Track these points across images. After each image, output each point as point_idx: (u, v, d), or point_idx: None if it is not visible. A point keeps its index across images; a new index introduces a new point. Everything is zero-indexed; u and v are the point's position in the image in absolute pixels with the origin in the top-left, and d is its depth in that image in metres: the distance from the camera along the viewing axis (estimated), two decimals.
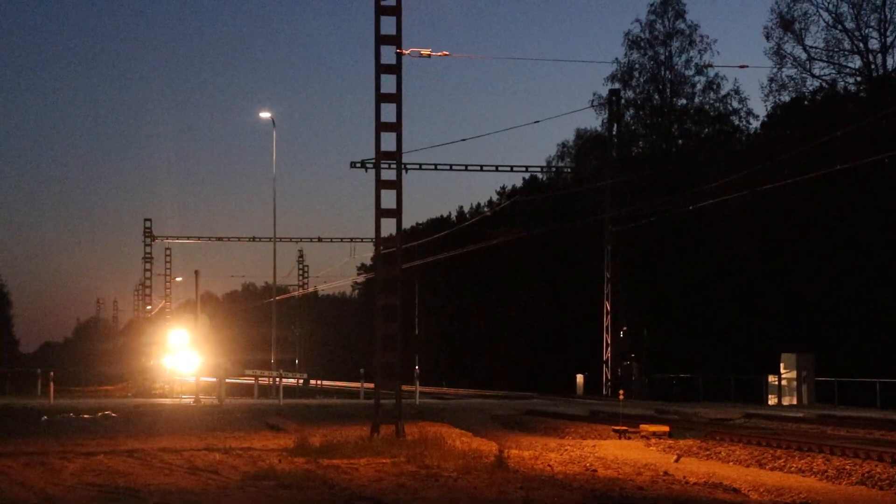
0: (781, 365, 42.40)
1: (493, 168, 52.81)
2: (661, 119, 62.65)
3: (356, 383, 48.20)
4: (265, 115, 51.41)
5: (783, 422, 28.88)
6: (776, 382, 42.53)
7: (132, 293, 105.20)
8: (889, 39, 52.33)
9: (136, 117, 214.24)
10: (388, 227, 23.08)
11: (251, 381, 50.23)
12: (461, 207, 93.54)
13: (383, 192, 22.70)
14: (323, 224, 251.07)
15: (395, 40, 22.58)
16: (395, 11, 22.54)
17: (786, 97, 55.62)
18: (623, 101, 57.21)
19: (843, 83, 54.86)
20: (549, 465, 17.92)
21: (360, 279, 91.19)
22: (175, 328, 49.46)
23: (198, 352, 41.12)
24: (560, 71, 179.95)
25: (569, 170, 68.67)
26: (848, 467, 17.51)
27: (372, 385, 23.26)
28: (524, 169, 58.19)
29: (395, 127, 22.64)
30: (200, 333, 40.95)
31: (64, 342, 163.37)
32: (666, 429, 24.59)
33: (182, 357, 47.02)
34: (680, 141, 63.30)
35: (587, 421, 29.22)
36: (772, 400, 42.38)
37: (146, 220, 75.13)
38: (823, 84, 54.76)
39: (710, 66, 60.00)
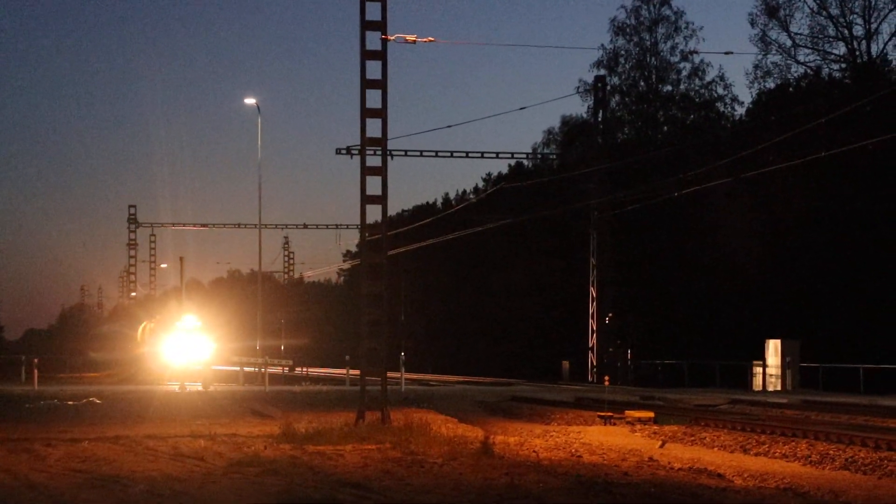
0: (766, 351, 42.57)
1: (479, 155, 52.84)
2: (647, 105, 62.67)
3: (342, 370, 48.19)
4: (250, 101, 51.09)
5: (768, 408, 28.99)
6: (761, 369, 42.71)
7: (117, 280, 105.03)
8: (873, 26, 52.47)
9: (120, 104, 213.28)
10: (374, 213, 23.12)
11: (236, 367, 50.15)
12: (447, 194, 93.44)
13: (368, 179, 22.68)
14: (308, 211, 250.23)
15: (381, 26, 22.54)
16: None
17: (771, 84, 55.77)
18: (608, 87, 57.17)
19: (827, 70, 55.03)
20: (534, 452, 17.97)
21: (346, 266, 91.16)
22: (181, 314, 49.16)
23: (210, 337, 41.08)
24: (546, 57, 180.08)
25: (554, 156, 68.70)
26: (831, 452, 17.59)
27: (357, 372, 23.24)
28: (510, 155, 58.25)
29: (381, 113, 22.63)
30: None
31: (48, 329, 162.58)
32: (651, 415, 24.68)
33: (174, 343, 46.70)
34: (665, 127, 63.36)
35: (572, 407, 29.28)
36: (757, 386, 42.56)
37: (130, 206, 75.20)
38: (808, 71, 54.92)
39: (696, 52, 60.17)
